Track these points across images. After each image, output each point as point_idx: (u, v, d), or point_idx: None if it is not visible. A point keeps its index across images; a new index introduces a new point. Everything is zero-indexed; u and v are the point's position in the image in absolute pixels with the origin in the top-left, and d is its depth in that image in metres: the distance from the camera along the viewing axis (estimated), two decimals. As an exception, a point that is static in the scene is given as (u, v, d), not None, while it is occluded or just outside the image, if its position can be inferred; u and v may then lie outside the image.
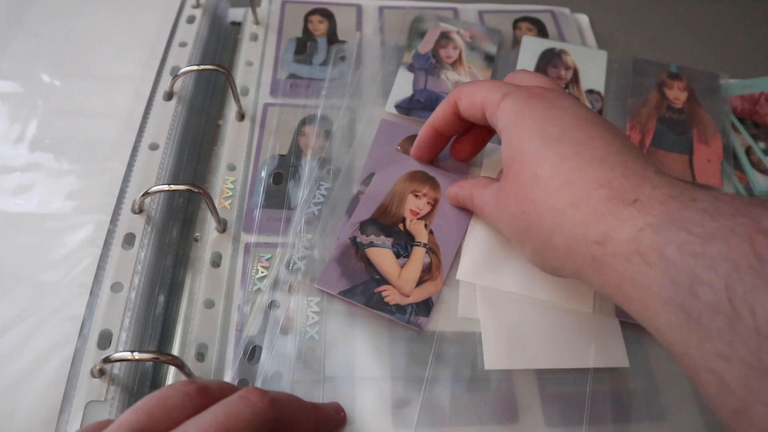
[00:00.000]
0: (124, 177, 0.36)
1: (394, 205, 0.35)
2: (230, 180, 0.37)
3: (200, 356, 0.30)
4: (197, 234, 0.36)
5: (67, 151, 0.37)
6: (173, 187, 0.33)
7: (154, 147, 0.37)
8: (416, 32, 0.46)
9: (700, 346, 0.19)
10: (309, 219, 0.35)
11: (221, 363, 0.30)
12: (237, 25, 0.48)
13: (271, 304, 0.32)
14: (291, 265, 0.33)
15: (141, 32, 0.44)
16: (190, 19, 0.45)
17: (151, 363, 0.31)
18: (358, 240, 0.34)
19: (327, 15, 0.48)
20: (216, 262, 0.34)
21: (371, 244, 0.33)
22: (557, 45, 0.46)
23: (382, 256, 0.33)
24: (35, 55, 0.42)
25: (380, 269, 0.33)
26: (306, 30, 0.46)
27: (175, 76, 0.39)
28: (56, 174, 0.36)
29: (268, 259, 0.34)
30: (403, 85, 0.42)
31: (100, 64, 0.42)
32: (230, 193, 0.37)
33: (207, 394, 0.23)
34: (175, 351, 0.31)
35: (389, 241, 0.34)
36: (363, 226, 0.34)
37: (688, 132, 0.42)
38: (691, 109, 0.43)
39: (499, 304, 0.32)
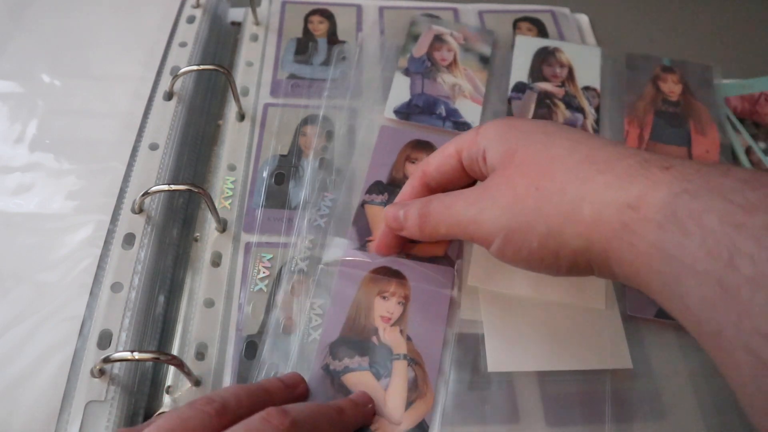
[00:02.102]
0: (124, 177, 0.36)
1: (362, 315, 0.31)
2: (230, 180, 0.37)
3: (200, 356, 0.30)
4: (197, 234, 0.36)
5: (67, 151, 0.37)
6: (173, 187, 0.33)
7: (154, 147, 0.37)
8: (411, 36, 0.45)
9: (737, 323, 0.18)
10: (312, 225, 0.35)
11: (221, 362, 0.30)
12: (237, 25, 0.48)
13: (273, 305, 0.32)
14: (294, 265, 0.33)
15: (141, 32, 0.43)
16: (190, 19, 0.45)
17: (151, 363, 0.30)
18: (331, 368, 0.30)
19: (327, 15, 0.48)
20: (216, 262, 0.34)
21: (346, 370, 0.29)
22: (551, 43, 0.46)
23: (362, 382, 0.29)
24: (35, 55, 0.42)
25: None
26: (306, 30, 0.46)
27: (175, 76, 0.39)
28: (56, 174, 0.36)
29: (269, 260, 0.34)
30: (401, 90, 0.42)
31: (100, 64, 0.42)
32: (230, 193, 0.37)
33: (227, 413, 0.23)
34: (175, 351, 0.31)
35: (365, 361, 0.30)
36: (333, 350, 0.30)
37: (685, 124, 0.42)
38: (686, 102, 0.43)
39: (502, 305, 0.32)
